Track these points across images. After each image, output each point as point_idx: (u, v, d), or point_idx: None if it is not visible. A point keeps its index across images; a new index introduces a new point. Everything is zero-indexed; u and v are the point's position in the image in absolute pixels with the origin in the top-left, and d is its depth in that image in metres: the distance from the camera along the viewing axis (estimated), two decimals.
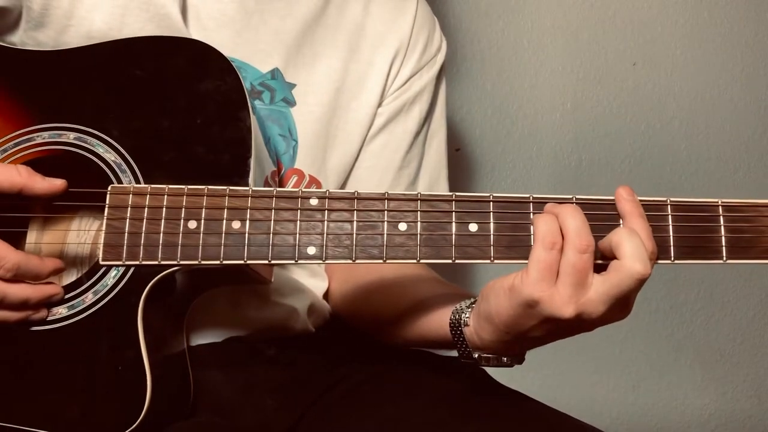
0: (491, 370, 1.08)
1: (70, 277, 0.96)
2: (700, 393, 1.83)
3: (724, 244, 0.89)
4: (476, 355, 0.93)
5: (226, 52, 0.98)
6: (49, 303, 0.92)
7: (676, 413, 1.83)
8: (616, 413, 1.80)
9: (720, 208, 0.89)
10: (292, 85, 1.13)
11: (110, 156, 0.95)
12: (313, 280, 1.16)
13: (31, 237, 0.99)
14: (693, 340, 1.81)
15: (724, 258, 0.89)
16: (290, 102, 1.12)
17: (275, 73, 1.12)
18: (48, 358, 0.92)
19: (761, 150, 1.79)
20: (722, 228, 0.89)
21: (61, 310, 0.93)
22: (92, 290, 0.92)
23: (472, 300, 0.94)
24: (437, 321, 0.98)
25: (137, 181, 0.94)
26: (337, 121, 1.15)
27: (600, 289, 0.83)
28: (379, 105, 1.19)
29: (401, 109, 1.20)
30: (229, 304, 1.07)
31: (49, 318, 0.93)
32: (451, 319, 0.94)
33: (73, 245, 0.98)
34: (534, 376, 1.75)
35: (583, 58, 1.72)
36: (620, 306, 0.85)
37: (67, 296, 0.93)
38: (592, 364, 1.78)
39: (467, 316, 0.92)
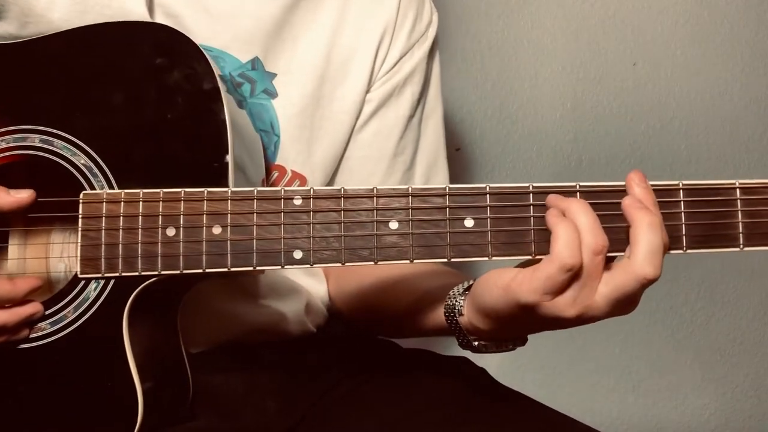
0: (492, 370, 1.08)
1: (53, 291, 0.91)
2: (700, 393, 1.83)
3: (741, 230, 0.82)
4: (476, 343, 0.88)
5: (201, 40, 0.92)
6: (30, 321, 0.89)
7: (676, 413, 1.82)
8: (616, 413, 1.80)
9: (738, 190, 0.83)
10: (273, 75, 1.07)
11: (79, 159, 0.90)
12: (309, 280, 1.14)
13: (14, 252, 0.95)
14: (693, 340, 1.81)
15: (742, 245, 0.82)
16: (271, 93, 1.07)
17: (255, 63, 1.06)
18: (33, 377, 0.89)
19: (761, 150, 1.79)
20: (739, 213, 0.82)
21: (44, 327, 0.89)
22: (73, 304, 0.88)
23: (466, 286, 0.89)
24: (437, 314, 0.94)
25: (110, 185, 0.89)
26: (322, 111, 1.10)
27: (604, 290, 0.79)
28: (368, 91, 1.12)
29: (392, 92, 1.13)
30: (226, 310, 1.05)
31: (32, 335, 0.89)
32: (445, 306, 0.90)
33: (56, 258, 0.94)
34: (534, 376, 1.75)
35: (583, 58, 1.71)
36: (624, 305, 0.81)
37: (49, 311, 0.89)
38: (592, 364, 1.77)
39: (461, 304, 0.88)
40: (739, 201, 0.82)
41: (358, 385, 1.07)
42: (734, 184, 0.83)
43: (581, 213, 0.79)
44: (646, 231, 0.78)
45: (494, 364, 1.07)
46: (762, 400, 1.85)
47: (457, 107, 1.68)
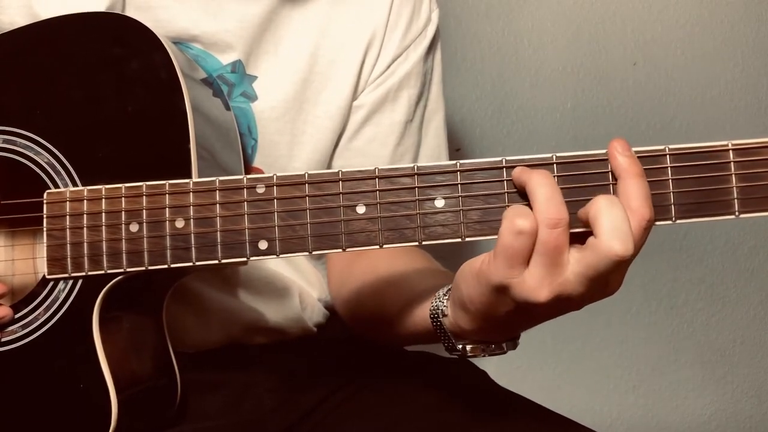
0: (491, 372, 1.08)
1: (26, 293, 0.89)
2: (700, 393, 1.83)
3: (736, 195, 0.75)
4: (459, 347, 0.83)
5: (183, 40, 0.90)
6: (1, 325, 0.87)
7: (676, 413, 1.82)
8: (616, 413, 1.80)
9: (731, 152, 0.76)
10: (253, 78, 1.04)
11: (42, 157, 0.88)
12: (304, 278, 1.13)
13: (1, 254, 0.94)
14: (693, 340, 1.81)
15: (737, 212, 0.75)
16: (250, 96, 1.04)
17: (236, 66, 1.03)
18: (5, 381, 0.87)
19: None
20: (734, 177, 0.75)
21: (16, 330, 0.87)
22: (44, 306, 0.87)
23: (449, 286, 0.84)
24: (422, 315, 0.89)
25: (73, 183, 0.87)
26: (305, 116, 1.06)
27: (576, 268, 0.73)
28: (356, 97, 1.08)
29: (386, 97, 1.08)
30: (220, 309, 1.05)
31: (4, 339, 0.87)
32: (431, 309, 0.85)
33: (29, 259, 0.93)
34: (534, 377, 1.75)
35: (583, 58, 1.71)
36: (601, 285, 0.74)
37: (20, 314, 0.87)
38: (592, 365, 1.77)
39: (445, 304, 0.83)
40: (732, 164, 0.76)
41: (357, 388, 1.07)
42: (726, 145, 0.77)
43: (539, 185, 0.74)
44: (605, 206, 0.72)
45: (494, 366, 1.07)
46: (762, 400, 1.85)
47: (457, 107, 1.68)
